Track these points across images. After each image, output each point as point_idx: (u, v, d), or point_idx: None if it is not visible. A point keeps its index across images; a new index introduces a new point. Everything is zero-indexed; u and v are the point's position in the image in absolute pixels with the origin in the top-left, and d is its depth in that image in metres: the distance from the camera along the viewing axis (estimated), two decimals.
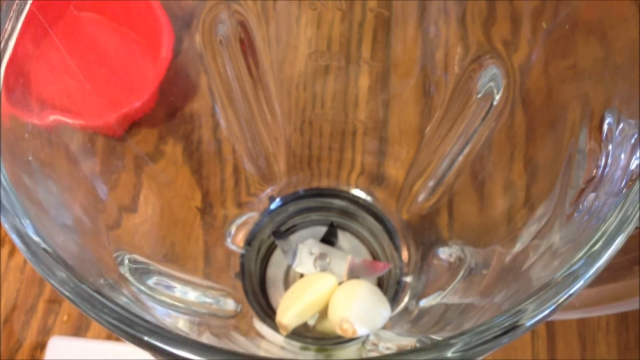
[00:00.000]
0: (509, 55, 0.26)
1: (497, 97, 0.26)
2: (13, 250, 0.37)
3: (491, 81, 0.26)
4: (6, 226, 0.18)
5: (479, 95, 0.27)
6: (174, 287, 0.26)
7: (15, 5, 0.19)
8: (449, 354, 0.15)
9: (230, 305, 0.30)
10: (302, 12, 0.32)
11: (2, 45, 0.19)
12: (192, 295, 0.28)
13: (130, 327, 0.16)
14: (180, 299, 0.27)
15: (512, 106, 0.26)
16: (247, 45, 0.30)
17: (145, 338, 0.16)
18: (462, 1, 0.31)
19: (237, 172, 0.33)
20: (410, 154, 0.35)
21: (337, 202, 0.37)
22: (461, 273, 0.28)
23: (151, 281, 0.24)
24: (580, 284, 0.17)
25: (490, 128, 0.27)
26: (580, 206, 0.20)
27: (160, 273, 0.25)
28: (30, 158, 0.20)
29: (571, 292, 0.17)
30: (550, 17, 0.24)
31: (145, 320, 0.16)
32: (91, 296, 0.17)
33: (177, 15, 0.32)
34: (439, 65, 0.32)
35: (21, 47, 0.20)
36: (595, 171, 0.20)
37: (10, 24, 0.19)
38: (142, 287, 0.23)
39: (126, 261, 0.23)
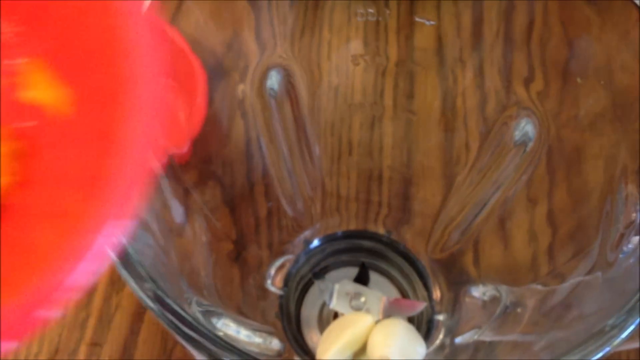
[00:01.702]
0: (543, 105, 0.28)
1: (530, 145, 0.28)
2: None
3: (525, 130, 0.28)
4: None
5: (514, 144, 0.29)
6: (229, 326, 0.28)
7: None
8: None
9: (275, 344, 0.32)
10: (347, 65, 0.33)
11: None
12: (244, 334, 0.29)
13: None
14: (234, 337, 0.28)
15: (547, 153, 0.28)
16: (292, 94, 0.32)
17: None
18: (491, 52, 0.33)
19: (278, 218, 0.35)
20: (437, 197, 0.37)
21: (367, 243, 0.38)
22: (497, 311, 0.29)
23: (214, 320, 0.26)
24: (626, 333, 0.18)
25: (522, 174, 0.29)
26: (623, 249, 0.21)
27: (219, 313, 0.27)
28: None
29: (618, 340, 0.18)
30: (584, 72, 0.26)
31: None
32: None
33: (208, 61, 0.34)
34: (469, 114, 0.34)
35: None
36: (634, 215, 0.21)
37: None
38: (207, 325, 0.24)
39: (193, 302, 0.25)
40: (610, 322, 0.18)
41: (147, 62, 0.19)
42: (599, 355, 0.17)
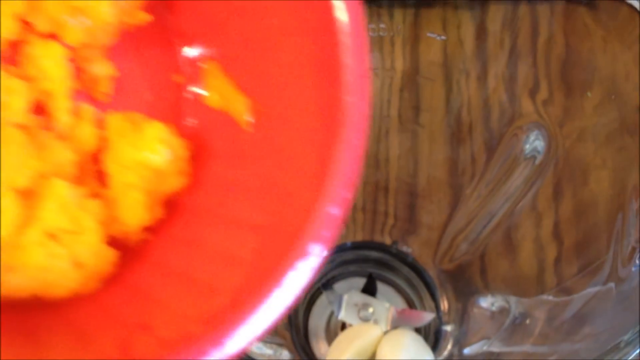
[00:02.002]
0: (550, 117, 0.28)
1: (540, 158, 0.28)
2: None
3: (535, 144, 0.28)
4: None
5: (523, 158, 0.29)
6: None
7: None
8: None
9: (285, 355, 0.32)
10: None
11: None
12: (255, 346, 0.29)
13: None
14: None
15: (555, 165, 0.28)
16: None
17: None
18: (497, 65, 0.33)
19: None
20: (444, 209, 0.37)
21: (374, 254, 0.39)
22: (506, 323, 0.30)
23: None
24: None
25: (530, 186, 0.29)
26: (636, 263, 0.21)
27: None
28: None
29: (632, 355, 0.18)
30: (589, 83, 0.26)
31: None
32: None
33: None
34: (475, 125, 0.34)
35: None
36: None
37: None
38: None
39: None
40: (626, 337, 0.18)
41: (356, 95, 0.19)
42: None
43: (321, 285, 0.36)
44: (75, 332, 0.19)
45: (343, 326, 0.36)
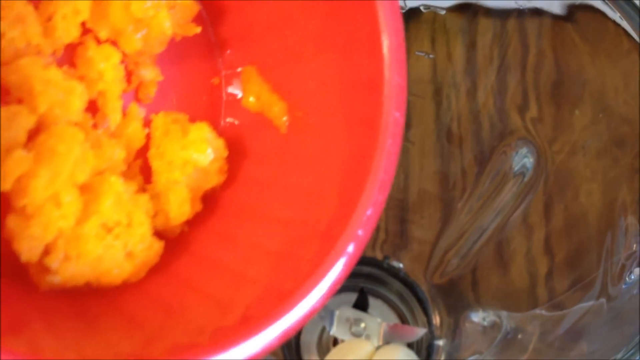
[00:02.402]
0: (538, 133, 0.29)
1: (529, 174, 0.28)
2: None
3: (524, 161, 0.29)
4: None
5: (512, 174, 0.29)
6: None
7: None
8: None
9: None
10: None
11: None
12: None
13: None
14: None
15: (544, 181, 0.28)
16: None
17: None
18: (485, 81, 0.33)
19: None
20: (435, 224, 0.37)
21: (365, 269, 0.39)
22: (498, 337, 0.30)
23: None
24: None
25: (520, 202, 0.29)
26: (626, 280, 0.22)
27: None
28: None
29: None
30: (578, 99, 0.26)
31: None
32: None
33: None
34: (464, 141, 0.35)
35: None
36: (635, 246, 0.22)
37: None
38: None
39: None
40: (619, 356, 0.18)
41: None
42: None
43: None
44: (125, 317, 0.21)
45: (335, 342, 0.36)
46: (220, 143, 0.23)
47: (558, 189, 0.29)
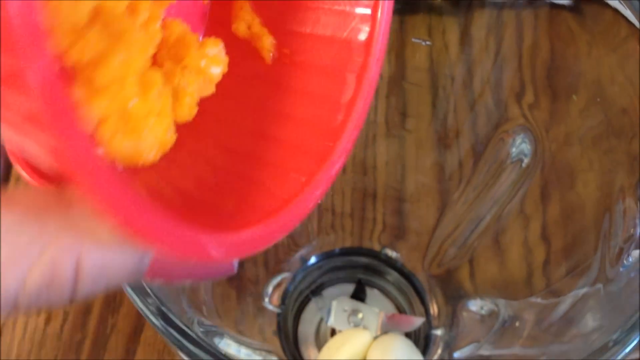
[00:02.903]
0: (536, 120, 0.28)
1: (526, 161, 0.28)
2: (49, 317, 0.38)
3: (521, 147, 0.29)
4: None
5: (510, 161, 0.29)
6: (230, 345, 0.28)
7: None
8: None
9: None
10: None
11: None
12: (244, 353, 0.29)
13: None
14: (235, 357, 0.28)
15: (541, 168, 0.28)
16: None
17: None
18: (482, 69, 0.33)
19: None
20: (432, 214, 0.37)
21: (363, 260, 0.39)
22: (496, 326, 0.30)
23: (216, 340, 0.26)
24: (629, 349, 0.18)
25: (518, 190, 0.29)
26: (624, 263, 0.22)
27: (221, 333, 0.27)
28: None
29: (621, 355, 0.18)
30: (575, 86, 0.26)
31: None
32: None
33: None
34: (461, 130, 0.34)
35: None
36: (634, 229, 0.22)
37: None
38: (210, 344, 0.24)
39: (195, 322, 0.25)
40: (614, 337, 0.18)
41: None
42: None
43: (310, 292, 0.36)
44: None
45: (333, 332, 0.36)
46: (226, 60, 0.23)
47: (555, 177, 0.29)
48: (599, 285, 0.22)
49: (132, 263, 0.15)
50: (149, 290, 0.22)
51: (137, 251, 0.16)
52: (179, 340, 0.21)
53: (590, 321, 0.22)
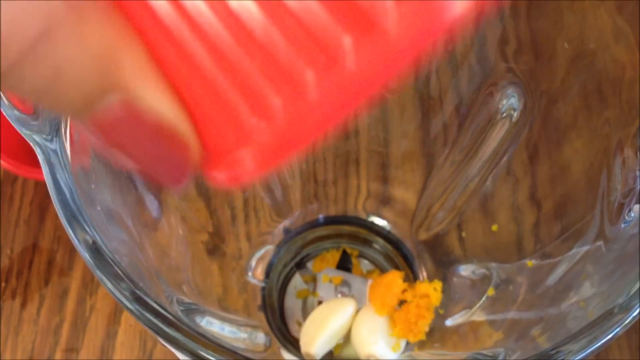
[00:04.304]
0: (527, 76, 0.27)
1: (516, 115, 0.27)
2: (25, 301, 0.37)
3: (511, 100, 0.27)
4: (76, 240, 0.19)
5: (499, 116, 0.28)
6: (213, 323, 0.27)
7: None
8: None
9: (260, 339, 0.30)
10: None
11: None
12: (228, 330, 0.28)
13: None
14: (218, 335, 0.27)
15: (530, 126, 0.27)
16: None
17: None
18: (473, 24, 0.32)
19: (255, 208, 0.34)
20: (418, 177, 0.36)
21: (348, 229, 0.37)
22: (488, 290, 0.29)
23: (197, 318, 0.24)
24: (635, 313, 0.17)
25: (506, 149, 0.28)
26: (625, 219, 0.20)
27: (202, 311, 0.25)
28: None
29: (628, 320, 0.17)
30: (572, 36, 0.25)
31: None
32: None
33: None
34: (444, 90, 0.33)
35: None
36: (633, 182, 0.20)
37: None
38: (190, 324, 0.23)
39: (174, 300, 0.23)
40: (620, 301, 0.17)
41: None
42: (610, 336, 0.16)
43: (295, 265, 0.35)
44: None
45: (320, 304, 0.35)
46: None
47: (544, 135, 0.28)
48: (599, 244, 0.21)
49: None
50: (121, 274, 0.20)
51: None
52: (156, 325, 0.20)
53: (590, 283, 0.20)
